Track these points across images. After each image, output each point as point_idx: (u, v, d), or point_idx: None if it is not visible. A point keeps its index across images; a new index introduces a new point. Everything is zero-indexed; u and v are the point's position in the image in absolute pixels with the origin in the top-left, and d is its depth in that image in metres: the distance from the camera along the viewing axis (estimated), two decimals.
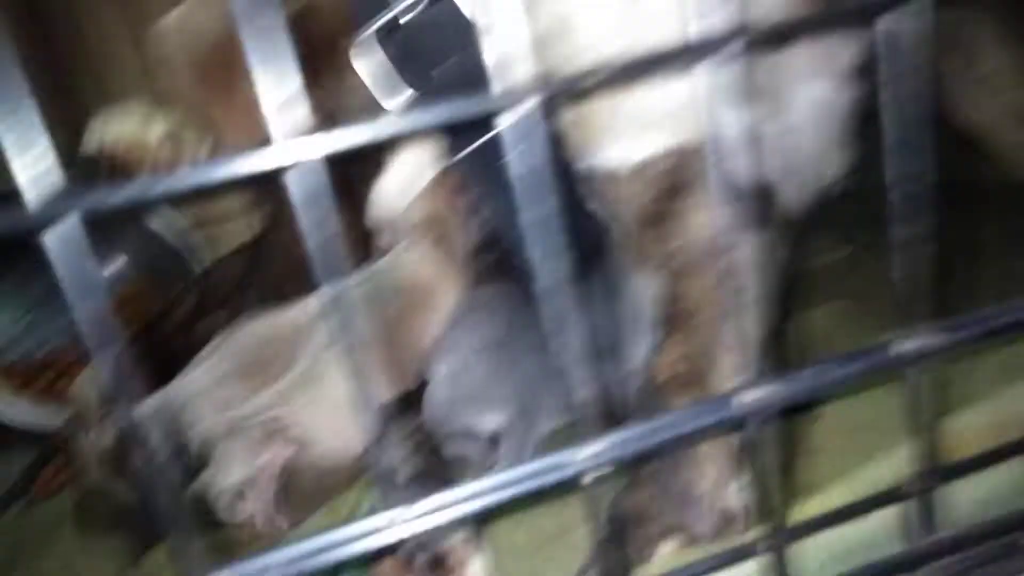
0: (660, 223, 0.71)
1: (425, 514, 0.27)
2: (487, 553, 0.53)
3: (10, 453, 0.89)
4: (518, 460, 0.58)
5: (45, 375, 0.95)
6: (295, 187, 0.23)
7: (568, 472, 0.27)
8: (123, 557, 0.65)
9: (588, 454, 0.27)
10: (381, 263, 0.74)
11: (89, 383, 0.83)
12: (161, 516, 0.24)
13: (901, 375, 0.29)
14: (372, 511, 0.27)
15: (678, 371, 0.61)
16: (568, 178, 0.76)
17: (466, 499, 0.27)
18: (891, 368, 0.27)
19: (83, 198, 0.22)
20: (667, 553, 0.49)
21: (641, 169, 0.72)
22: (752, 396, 0.27)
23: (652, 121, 0.73)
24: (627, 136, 0.74)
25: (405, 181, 0.81)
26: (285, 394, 0.65)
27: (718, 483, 0.53)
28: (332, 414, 0.64)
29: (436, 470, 0.60)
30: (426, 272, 0.74)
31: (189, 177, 0.23)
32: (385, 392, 0.67)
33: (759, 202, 0.74)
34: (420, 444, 0.61)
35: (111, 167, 0.79)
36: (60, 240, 0.22)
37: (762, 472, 0.27)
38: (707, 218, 0.68)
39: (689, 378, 0.60)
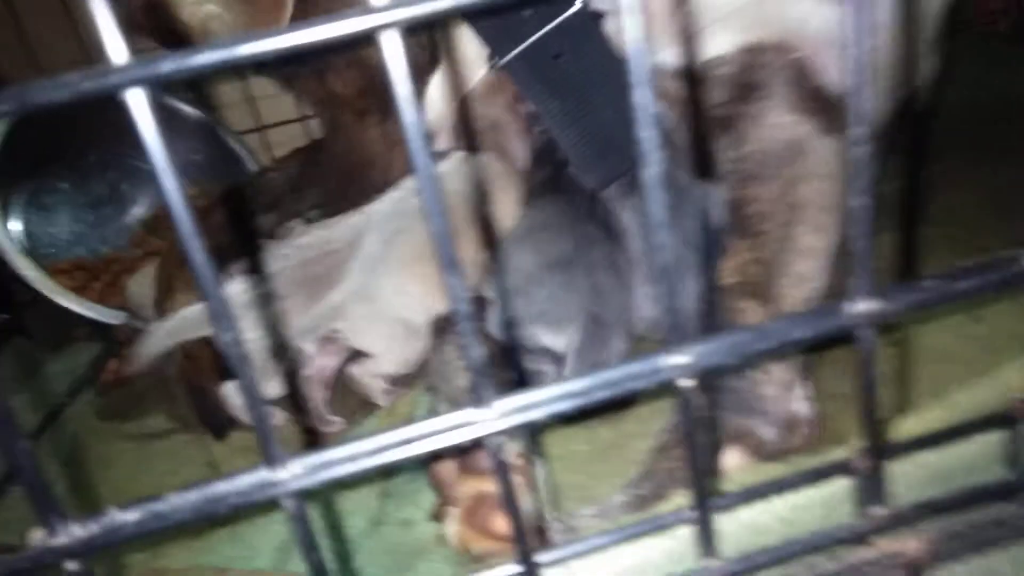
0: (732, 125, 0.67)
1: (505, 414, 0.26)
2: (544, 459, 0.53)
3: (77, 347, 0.93)
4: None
5: (110, 271, 0.97)
6: (387, 49, 0.21)
7: (658, 377, 0.26)
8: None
9: (682, 361, 0.26)
10: (440, 168, 0.72)
11: (143, 281, 0.85)
12: (248, 404, 0.24)
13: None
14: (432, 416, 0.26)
15: (745, 276, 0.59)
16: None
17: (547, 401, 0.26)
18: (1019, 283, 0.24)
19: (161, 61, 0.20)
20: (733, 465, 0.48)
21: (711, 68, 0.70)
22: (864, 306, 0.25)
23: (721, 17, 0.68)
24: (694, 33, 0.70)
25: (455, 83, 0.79)
26: (340, 308, 0.64)
27: (785, 388, 0.52)
28: (385, 327, 0.64)
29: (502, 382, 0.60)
30: (486, 179, 0.72)
31: (277, 40, 0.21)
32: (442, 303, 0.66)
33: (841, 105, 0.69)
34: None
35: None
36: (139, 100, 0.20)
37: (868, 386, 0.26)
38: (782, 120, 0.66)
39: (756, 283, 0.57)
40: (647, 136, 0.24)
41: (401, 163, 0.78)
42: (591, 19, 0.69)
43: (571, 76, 0.69)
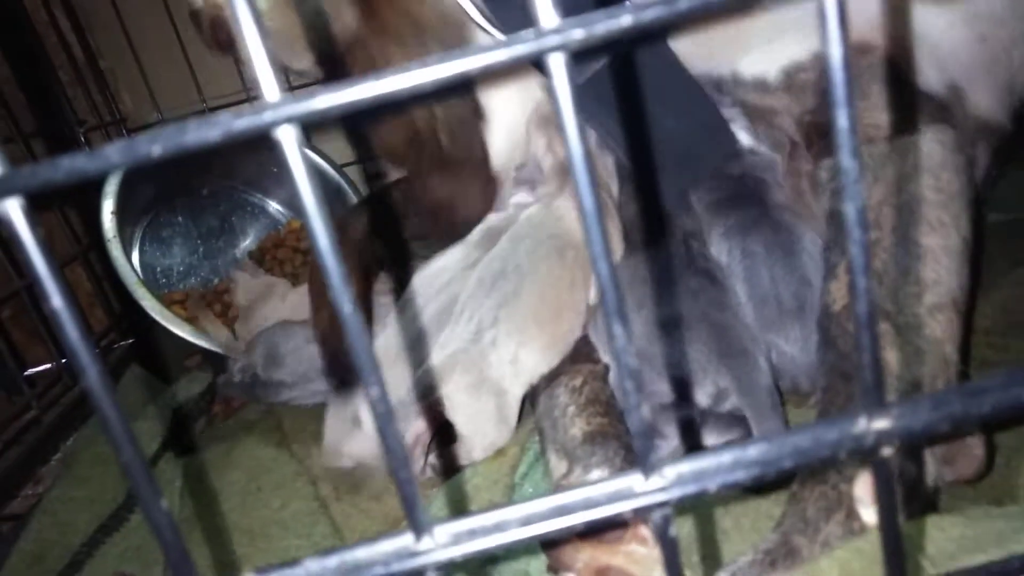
0: (825, 134, 0.63)
1: (674, 484, 0.23)
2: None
3: (190, 376, 0.95)
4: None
5: (221, 301, 1.00)
6: (556, 72, 0.19)
7: (857, 444, 0.22)
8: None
9: (884, 426, 0.22)
10: (529, 213, 0.70)
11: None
12: (392, 465, 0.22)
13: None
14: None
15: None
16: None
17: (724, 469, 0.23)
18: None
19: (312, 99, 0.19)
20: (868, 489, 0.42)
21: (790, 76, 0.65)
22: None
23: (790, 23, 0.64)
24: (770, 39, 0.65)
25: (519, 127, 0.77)
26: (445, 369, 0.61)
27: None
28: (482, 407, 0.60)
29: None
30: (575, 222, 0.67)
31: (430, 71, 0.19)
32: (551, 361, 0.63)
33: (944, 104, 0.64)
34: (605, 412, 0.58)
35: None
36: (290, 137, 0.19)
37: None
38: (879, 120, 0.60)
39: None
40: (849, 166, 0.20)
41: (467, 209, 0.78)
42: (659, 36, 0.66)
43: (628, 87, 0.65)
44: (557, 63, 0.19)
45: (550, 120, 0.73)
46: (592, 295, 0.65)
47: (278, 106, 0.19)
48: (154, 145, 0.18)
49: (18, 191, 0.19)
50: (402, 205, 0.87)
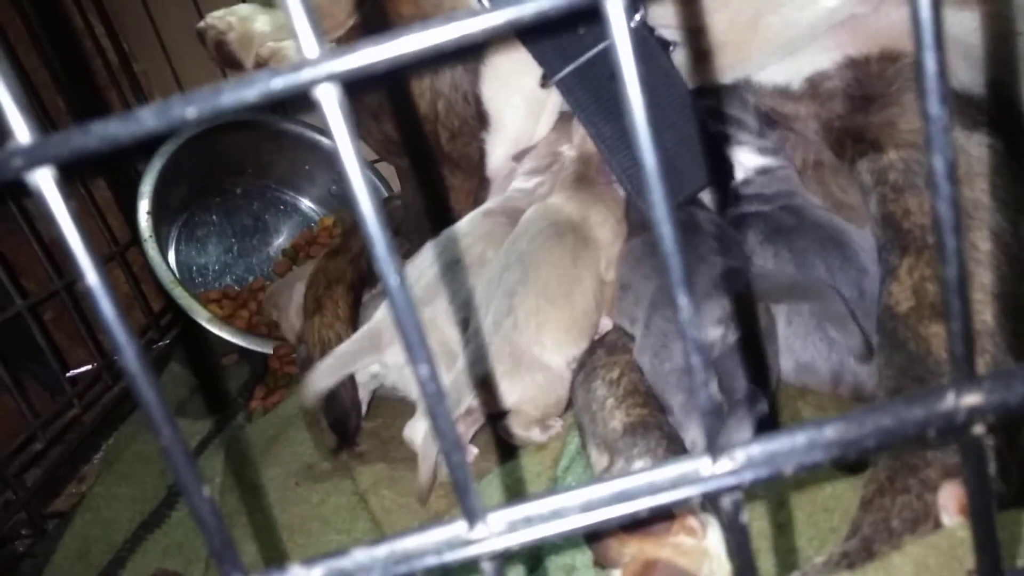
0: (862, 137, 0.63)
1: (744, 467, 0.21)
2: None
3: (227, 374, 0.96)
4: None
5: (255, 299, 1.00)
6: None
7: (947, 422, 0.20)
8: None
9: (974, 401, 0.20)
10: (527, 214, 0.70)
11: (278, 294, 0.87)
12: (443, 449, 0.21)
13: None
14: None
15: (923, 297, 0.51)
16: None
17: (799, 451, 0.21)
18: None
19: (352, 54, 0.18)
20: (953, 498, 0.40)
21: (815, 84, 0.64)
22: None
23: (809, 33, 0.63)
24: (788, 55, 0.64)
25: (525, 138, 0.77)
26: (473, 372, 0.61)
27: None
28: (528, 380, 0.60)
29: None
30: (581, 214, 0.68)
31: (474, 22, 0.18)
32: (576, 346, 0.62)
33: (984, 105, 0.62)
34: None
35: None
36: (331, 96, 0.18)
37: None
38: (917, 126, 0.59)
39: (938, 302, 0.50)
40: (937, 114, 0.19)
41: (457, 211, 0.78)
42: (654, 44, 0.64)
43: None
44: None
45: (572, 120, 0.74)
46: (603, 270, 0.65)
47: (317, 62, 0.17)
48: (189, 107, 0.17)
49: (49, 160, 0.18)
50: (397, 220, 0.87)
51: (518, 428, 0.60)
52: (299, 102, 0.98)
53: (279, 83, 0.18)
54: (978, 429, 0.21)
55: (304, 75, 0.18)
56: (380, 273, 0.19)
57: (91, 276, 0.19)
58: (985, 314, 0.50)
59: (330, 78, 0.18)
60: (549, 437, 0.60)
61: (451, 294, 0.67)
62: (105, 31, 1.14)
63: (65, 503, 0.81)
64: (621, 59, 0.18)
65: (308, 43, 0.18)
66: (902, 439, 0.21)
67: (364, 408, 0.71)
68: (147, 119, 0.17)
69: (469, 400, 0.59)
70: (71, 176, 1.00)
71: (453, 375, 0.62)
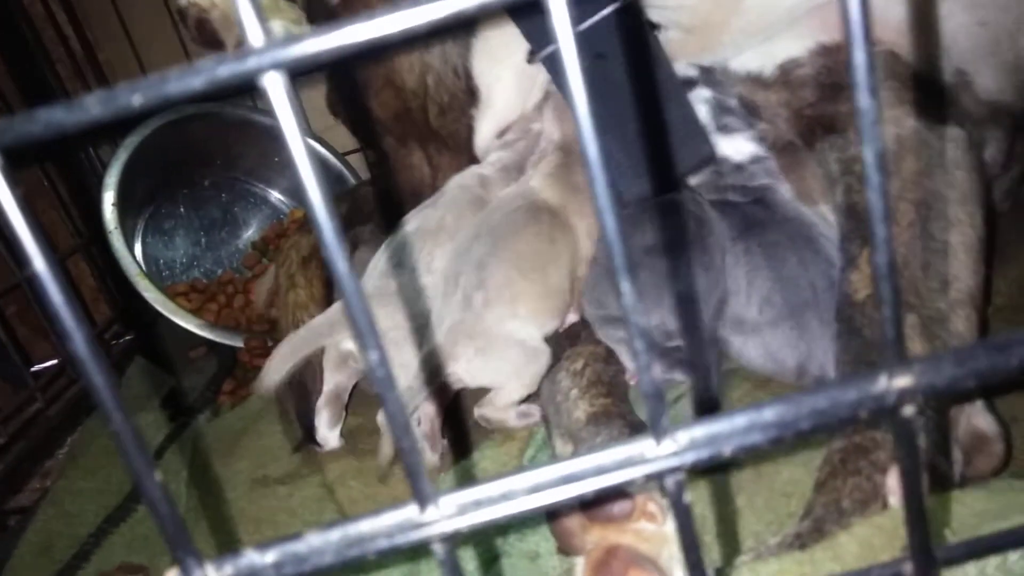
0: (832, 127, 0.64)
1: (687, 448, 0.22)
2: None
3: (194, 367, 0.95)
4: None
5: (224, 292, 0.99)
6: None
7: (877, 404, 0.21)
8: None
9: (905, 383, 0.21)
10: (503, 193, 0.70)
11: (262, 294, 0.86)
12: (394, 432, 0.21)
13: None
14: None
15: None
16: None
17: (738, 433, 0.22)
18: None
19: (298, 43, 0.18)
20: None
21: (787, 71, 0.65)
22: None
23: (783, 20, 0.64)
24: (763, 39, 0.65)
25: (512, 114, 0.77)
26: (445, 350, 0.60)
27: (964, 398, 0.45)
28: (503, 356, 0.60)
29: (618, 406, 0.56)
30: (560, 201, 0.68)
31: (428, 9, 0.18)
32: (552, 321, 0.63)
33: (952, 92, 0.63)
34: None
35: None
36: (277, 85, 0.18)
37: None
38: (886, 115, 0.59)
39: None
40: (867, 106, 0.19)
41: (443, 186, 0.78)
42: (644, 26, 0.65)
43: (613, 79, 0.64)
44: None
45: (562, 103, 0.73)
46: (578, 259, 0.66)
47: (263, 51, 0.18)
48: (135, 95, 0.18)
49: None
50: (371, 202, 0.87)
51: (492, 410, 0.60)
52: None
53: (225, 71, 0.18)
54: (908, 410, 0.21)
55: (250, 63, 0.18)
56: (328, 261, 0.19)
57: (38, 262, 0.19)
58: (941, 302, 0.51)
59: (275, 66, 0.18)
60: (525, 425, 0.60)
61: (423, 269, 0.66)
62: (68, 19, 1.12)
63: (28, 498, 0.80)
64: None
65: (254, 31, 0.18)
66: (836, 420, 0.22)
67: (345, 398, 0.70)
68: (92, 106, 0.17)
69: (438, 382, 0.59)
70: (30, 167, 0.98)
71: (422, 355, 0.61)
